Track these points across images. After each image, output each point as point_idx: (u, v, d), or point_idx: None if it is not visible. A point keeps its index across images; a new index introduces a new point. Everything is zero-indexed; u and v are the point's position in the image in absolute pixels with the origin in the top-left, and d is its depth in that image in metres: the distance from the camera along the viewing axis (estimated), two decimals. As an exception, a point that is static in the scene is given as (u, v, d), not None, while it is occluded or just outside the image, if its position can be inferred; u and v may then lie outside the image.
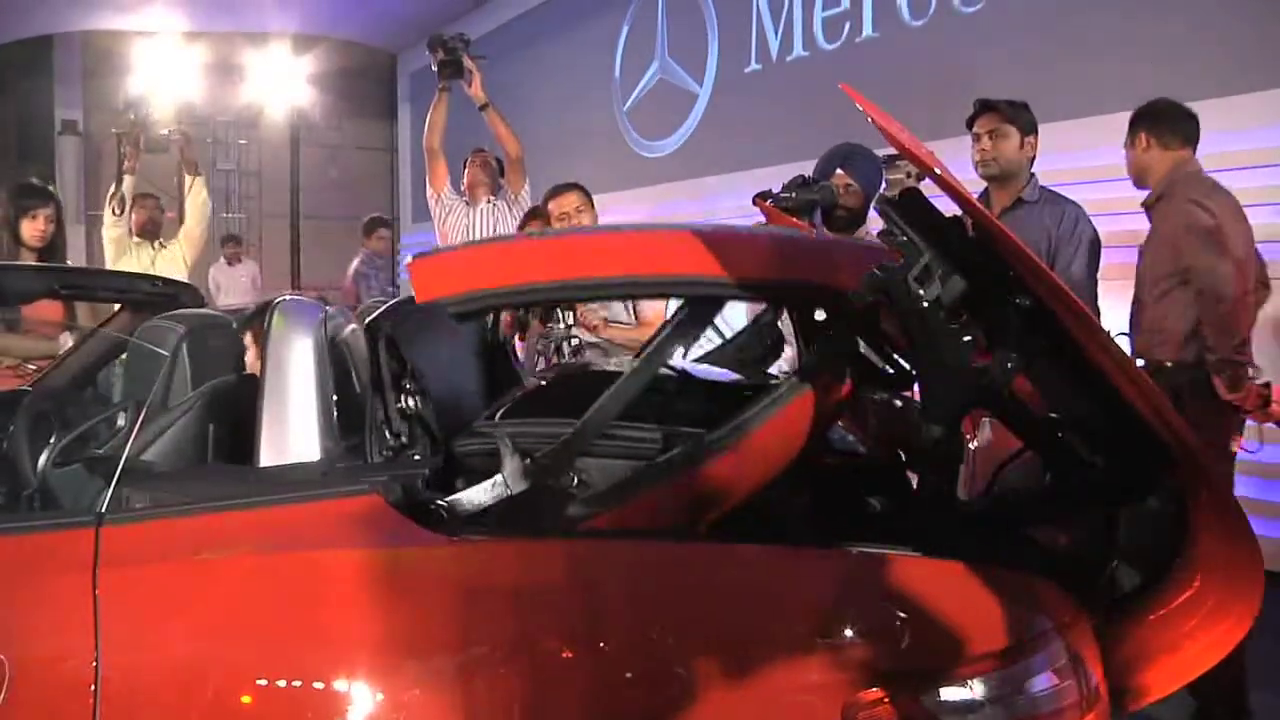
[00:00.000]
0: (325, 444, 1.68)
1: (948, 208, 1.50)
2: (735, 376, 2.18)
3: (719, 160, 7.58)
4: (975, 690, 1.44)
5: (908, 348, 1.78)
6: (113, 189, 5.14)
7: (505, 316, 2.99)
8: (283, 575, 1.50)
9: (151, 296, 2.97)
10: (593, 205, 4.13)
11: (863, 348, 1.95)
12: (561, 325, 3.48)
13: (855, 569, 1.55)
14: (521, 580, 1.51)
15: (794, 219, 3.09)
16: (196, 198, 5.34)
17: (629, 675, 1.44)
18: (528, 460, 1.63)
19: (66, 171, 11.62)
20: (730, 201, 6.54)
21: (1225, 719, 2.98)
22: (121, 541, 1.51)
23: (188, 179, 5.47)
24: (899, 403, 2.11)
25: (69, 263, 4.35)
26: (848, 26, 6.69)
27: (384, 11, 11.56)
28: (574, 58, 9.47)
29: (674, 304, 2.16)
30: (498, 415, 1.90)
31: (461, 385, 2.30)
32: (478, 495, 1.61)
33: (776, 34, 7.27)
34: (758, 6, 7.43)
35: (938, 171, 1.37)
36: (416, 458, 1.74)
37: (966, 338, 1.50)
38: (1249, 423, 3.12)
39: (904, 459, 2.01)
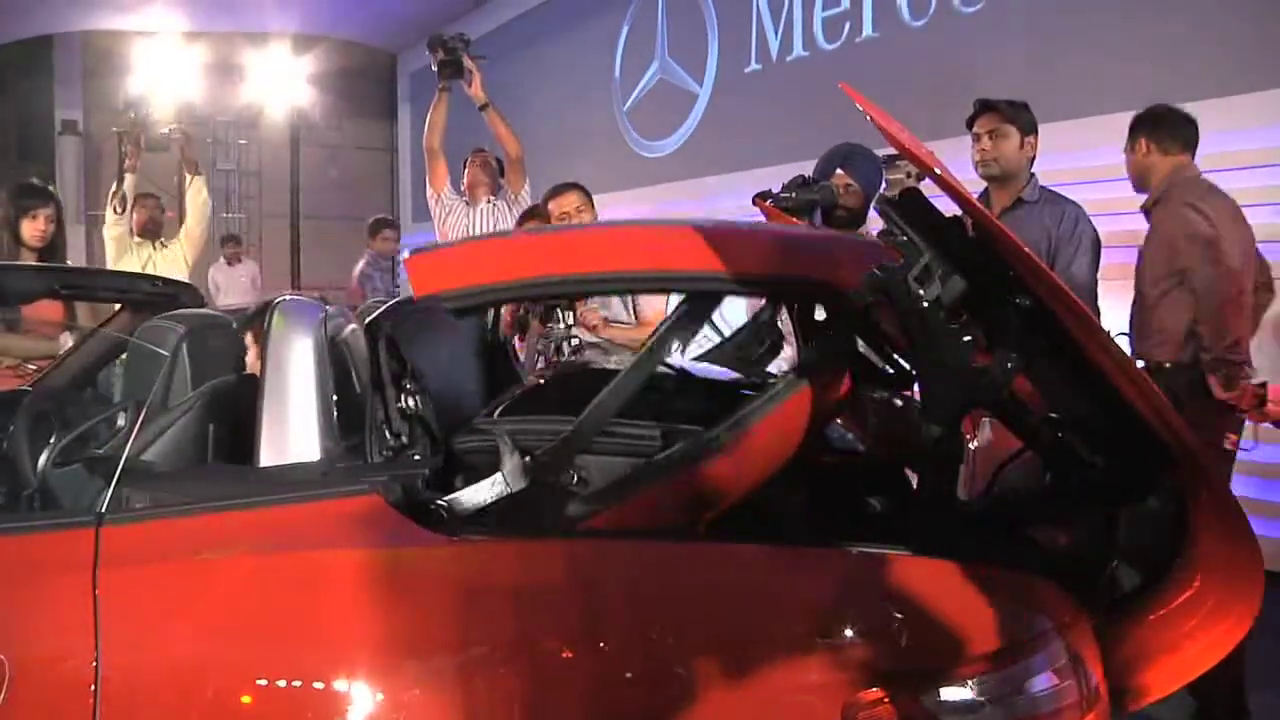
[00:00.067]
0: (325, 444, 1.68)
1: (948, 208, 1.50)
2: (734, 375, 2.18)
3: (719, 160, 7.58)
4: (975, 690, 1.43)
5: (908, 348, 1.78)
6: (114, 188, 5.14)
7: (505, 316, 2.99)
8: (283, 575, 1.50)
9: (151, 296, 2.96)
10: (593, 205, 4.13)
11: (862, 347, 1.95)
12: (561, 325, 3.47)
13: (855, 569, 1.55)
14: (521, 580, 1.51)
15: (794, 219, 3.09)
16: (197, 197, 5.34)
17: (629, 675, 1.44)
18: (527, 458, 1.63)
19: (66, 171, 11.62)
20: (730, 201, 6.54)
21: (1225, 719, 2.98)
22: (121, 541, 1.51)
23: (188, 178, 5.47)
24: (899, 402, 2.11)
25: (69, 263, 4.35)
26: (848, 26, 6.69)
27: (384, 11, 11.56)
28: (574, 58, 9.48)
29: (674, 303, 2.16)
30: (496, 412, 1.90)
31: (461, 385, 2.30)
32: (478, 494, 1.61)
33: (776, 34, 7.27)
34: (758, 6, 7.43)
35: (938, 171, 1.37)
36: (416, 458, 1.74)
37: (966, 338, 1.50)
38: (1246, 423, 3.13)
39: (904, 458, 2.01)
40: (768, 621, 1.48)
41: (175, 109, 9.34)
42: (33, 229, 3.84)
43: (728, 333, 2.30)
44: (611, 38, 9.00)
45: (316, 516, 1.56)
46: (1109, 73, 4.92)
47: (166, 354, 2.24)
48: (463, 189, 5.04)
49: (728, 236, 1.77)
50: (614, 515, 1.61)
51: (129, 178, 5.14)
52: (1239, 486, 3.44)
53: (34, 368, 3.38)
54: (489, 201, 4.97)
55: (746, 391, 1.81)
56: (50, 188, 4.13)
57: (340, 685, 1.40)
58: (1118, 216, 3.80)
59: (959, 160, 3.36)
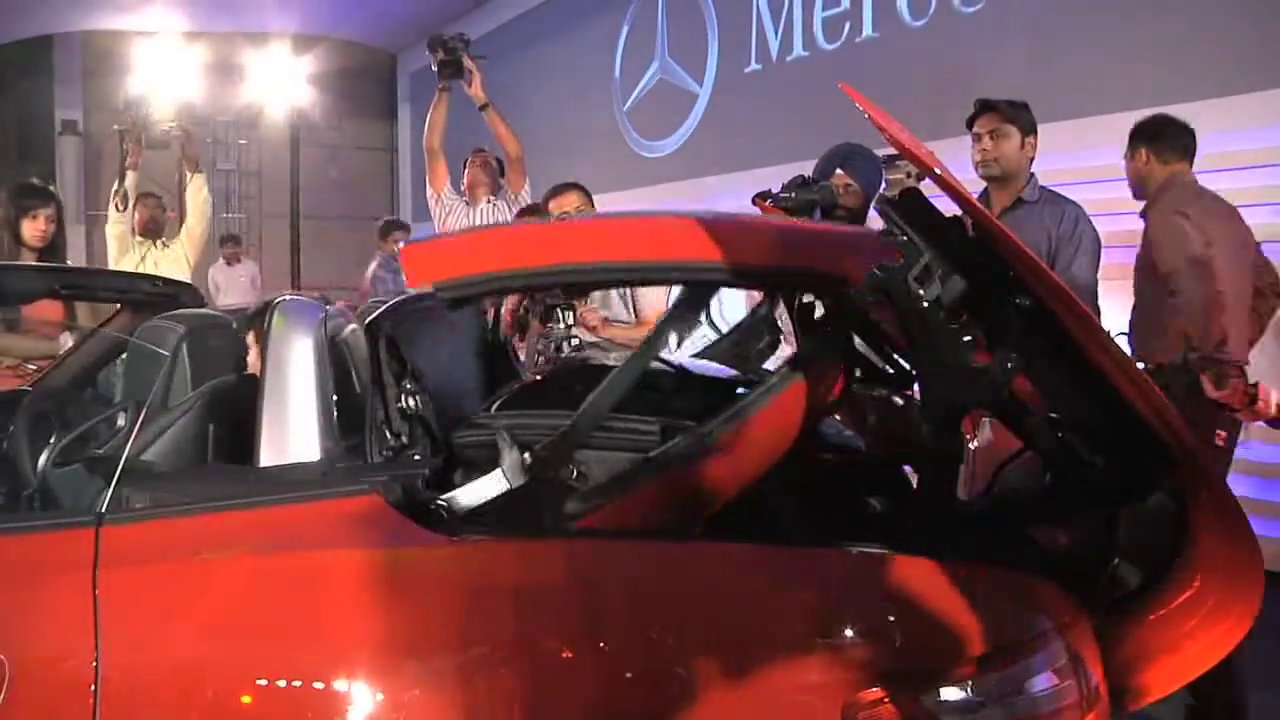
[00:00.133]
0: (325, 444, 1.68)
1: (948, 208, 1.50)
2: (732, 372, 2.18)
3: (719, 160, 7.58)
4: (975, 690, 1.43)
5: (908, 348, 1.77)
6: (116, 185, 5.14)
7: (505, 317, 2.98)
8: (283, 575, 1.50)
9: (151, 296, 2.96)
10: (593, 205, 4.12)
11: (862, 347, 1.95)
12: (562, 325, 3.47)
13: (855, 569, 1.55)
14: (521, 580, 1.51)
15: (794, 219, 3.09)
16: (198, 195, 5.33)
17: (629, 675, 1.44)
18: (526, 454, 1.63)
19: (66, 171, 11.63)
20: (730, 201, 6.54)
21: (1224, 719, 2.98)
22: (121, 541, 1.51)
23: (189, 176, 5.46)
24: (899, 400, 2.11)
25: (69, 263, 4.35)
26: (848, 26, 6.69)
27: (384, 11, 11.57)
28: (574, 58, 9.48)
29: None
30: (493, 407, 1.89)
31: (462, 385, 2.30)
32: (477, 491, 1.61)
33: (776, 34, 7.27)
34: (758, 6, 7.43)
35: (938, 171, 1.37)
36: (416, 458, 1.74)
37: (966, 338, 1.50)
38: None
39: (904, 458, 2.01)
40: (768, 621, 1.48)
41: (175, 109, 9.35)
42: (33, 229, 3.83)
43: (725, 329, 2.30)
44: (611, 38, 9.00)
45: (316, 516, 1.55)
46: (1109, 73, 4.92)
47: (166, 354, 2.24)
48: (463, 189, 5.04)
49: (727, 227, 1.76)
50: (614, 509, 1.61)
51: (130, 175, 5.14)
52: (1239, 486, 3.44)
53: (34, 368, 3.38)
54: (489, 201, 4.96)
55: (743, 390, 1.81)
56: (50, 188, 4.13)
57: (340, 685, 1.40)
58: (1118, 216, 3.81)
59: (959, 160, 3.36)
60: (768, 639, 1.46)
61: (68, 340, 3.53)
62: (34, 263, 3.78)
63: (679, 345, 1.98)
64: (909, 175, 3.08)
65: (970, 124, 3.39)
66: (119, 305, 3.11)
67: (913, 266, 1.49)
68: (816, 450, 1.99)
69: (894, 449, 2.06)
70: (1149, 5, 4.91)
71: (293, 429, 1.67)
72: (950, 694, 1.43)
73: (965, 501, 2.03)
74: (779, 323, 2.28)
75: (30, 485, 2.25)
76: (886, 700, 1.41)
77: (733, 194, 6.64)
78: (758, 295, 2.31)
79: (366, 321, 1.86)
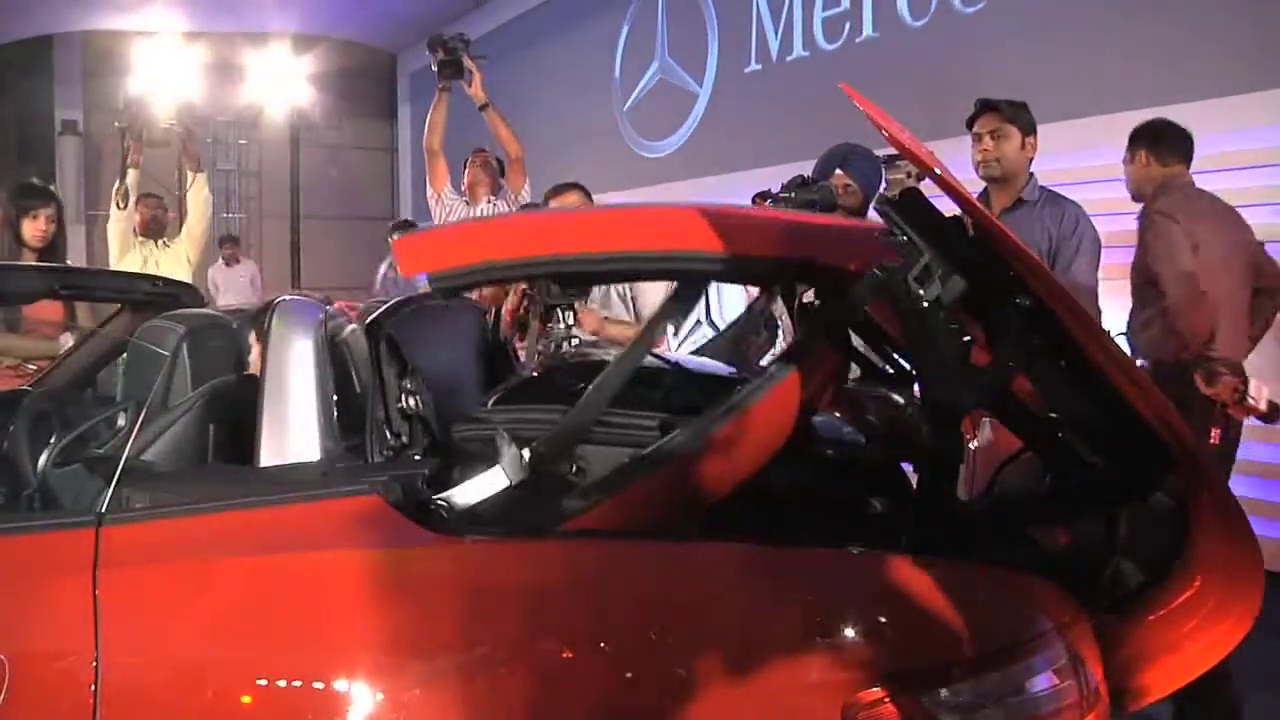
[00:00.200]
0: (325, 444, 1.68)
1: (948, 208, 1.50)
2: (730, 369, 2.18)
3: (719, 160, 7.59)
4: (975, 690, 1.43)
5: (908, 348, 1.77)
6: (117, 183, 5.14)
7: (505, 316, 2.98)
8: (283, 575, 1.50)
9: (152, 296, 2.96)
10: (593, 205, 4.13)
11: (862, 347, 1.95)
12: (561, 325, 3.47)
13: (855, 569, 1.55)
14: (522, 580, 1.50)
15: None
16: (198, 194, 5.33)
17: (629, 675, 1.44)
18: (525, 450, 1.62)
19: (66, 171, 11.62)
20: (730, 202, 6.54)
21: (1221, 718, 2.98)
22: (121, 541, 1.51)
23: (189, 175, 5.46)
24: (899, 398, 2.11)
25: (69, 263, 4.35)
26: (848, 26, 6.69)
27: (384, 11, 11.57)
28: (574, 58, 9.48)
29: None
30: (490, 402, 1.89)
31: (462, 385, 2.30)
32: (477, 488, 1.60)
33: (776, 34, 7.27)
34: (758, 6, 7.43)
35: (938, 171, 1.37)
36: (416, 458, 1.73)
37: (966, 338, 1.50)
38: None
39: (904, 458, 2.01)
40: (768, 622, 1.48)
41: (175, 109, 9.33)
42: (33, 229, 3.84)
43: (723, 326, 2.30)
44: (611, 38, 9.00)
45: (317, 516, 1.55)
46: (1109, 73, 4.93)
47: (166, 354, 2.24)
48: (463, 189, 5.04)
49: (726, 218, 1.75)
50: (612, 504, 1.61)
51: (132, 173, 5.14)
52: (1239, 486, 3.44)
53: (34, 368, 3.38)
54: (489, 201, 4.97)
55: (739, 388, 1.81)
56: (51, 188, 4.13)
57: (340, 686, 1.40)
58: (1118, 216, 3.81)
59: (959, 160, 3.36)
60: (768, 639, 1.46)
61: (68, 340, 3.53)
62: (34, 263, 3.78)
63: (675, 334, 1.98)
64: (909, 175, 3.09)
65: (970, 124, 3.40)
66: (119, 305, 3.11)
67: (913, 266, 1.49)
68: (815, 448, 1.99)
69: (894, 449, 2.06)
70: (1149, 5, 4.91)
71: (293, 429, 1.67)
72: (950, 694, 1.43)
73: (965, 501, 2.03)
74: (777, 319, 2.28)
75: (30, 485, 2.25)
76: (886, 700, 1.40)
77: (733, 194, 6.64)
78: (755, 292, 2.31)
79: (366, 321, 1.87)
